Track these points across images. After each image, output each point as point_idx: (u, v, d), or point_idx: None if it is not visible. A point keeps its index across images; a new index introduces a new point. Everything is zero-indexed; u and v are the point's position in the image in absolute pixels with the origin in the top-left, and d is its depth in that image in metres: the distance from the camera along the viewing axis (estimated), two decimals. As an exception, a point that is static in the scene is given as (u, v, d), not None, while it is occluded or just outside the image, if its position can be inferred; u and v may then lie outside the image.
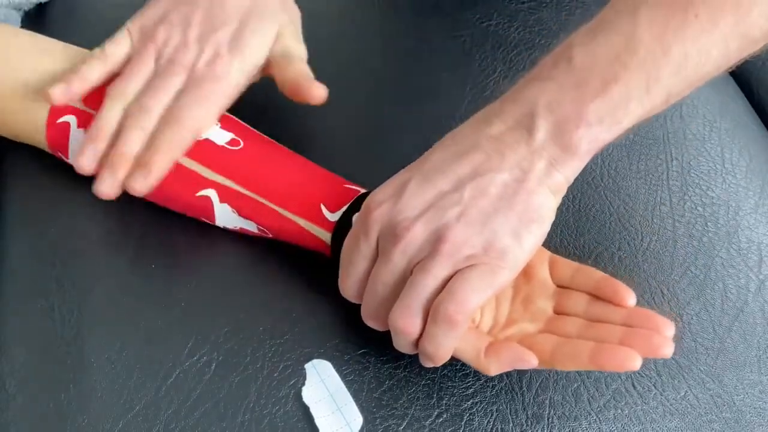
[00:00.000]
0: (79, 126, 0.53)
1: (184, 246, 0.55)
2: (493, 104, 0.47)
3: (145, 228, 0.55)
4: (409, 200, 0.45)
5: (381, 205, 0.45)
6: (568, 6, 0.68)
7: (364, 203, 0.47)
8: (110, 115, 0.52)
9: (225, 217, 0.53)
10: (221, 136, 0.53)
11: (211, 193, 0.52)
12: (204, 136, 0.52)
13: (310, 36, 0.65)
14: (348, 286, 0.48)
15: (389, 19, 0.68)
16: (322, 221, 0.51)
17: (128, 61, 0.54)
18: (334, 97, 0.62)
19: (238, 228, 0.53)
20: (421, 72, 0.64)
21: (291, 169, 0.52)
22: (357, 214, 0.48)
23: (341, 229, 0.50)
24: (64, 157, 0.54)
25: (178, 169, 0.52)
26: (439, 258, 0.43)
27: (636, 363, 0.43)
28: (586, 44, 0.44)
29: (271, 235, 0.53)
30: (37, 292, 0.53)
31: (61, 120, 0.53)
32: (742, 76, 0.72)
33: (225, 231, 0.54)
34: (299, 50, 0.57)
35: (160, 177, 0.51)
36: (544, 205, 0.44)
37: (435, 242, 0.43)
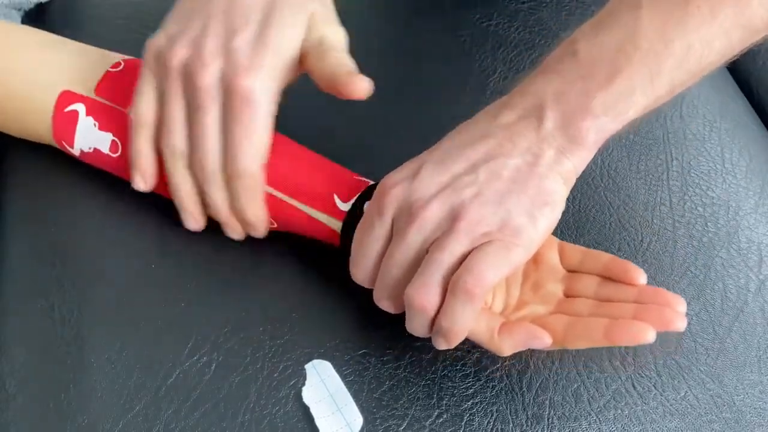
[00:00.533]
0: (87, 114, 0.53)
1: (184, 246, 0.55)
2: (502, 98, 0.47)
3: (145, 228, 0.55)
4: (425, 181, 0.45)
5: (396, 185, 0.46)
6: (568, 6, 0.68)
7: (379, 185, 0.47)
8: (179, 176, 0.51)
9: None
10: None
11: None
12: None
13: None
14: (361, 269, 0.48)
15: (389, 19, 0.68)
16: (333, 210, 0.51)
17: (160, 105, 0.51)
18: (334, 96, 0.62)
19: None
20: (421, 72, 0.64)
21: (302, 161, 0.52)
22: (369, 201, 0.48)
23: (352, 217, 0.50)
24: (68, 147, 0.54)
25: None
26: (456, 235, 0.44)
27: (650, 336, 0.43)
28: (590, 38, 0.45)
29: (276, 226, 0.53)
30: (37, 292, 0.53)
31: (69, 108, 0.53)
32: (742, 76, 0.72)
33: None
34: (336, 37, 0.51)
35: (267, 220, 0.52)
36: (556, 191, 0.45)
37: (451, 220, 0.44)
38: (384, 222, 0.46)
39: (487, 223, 0.44)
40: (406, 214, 0.45)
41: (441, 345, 0.47)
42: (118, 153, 0.53)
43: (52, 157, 0.56)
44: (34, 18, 0.68)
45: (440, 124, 0.60)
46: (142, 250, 0.54)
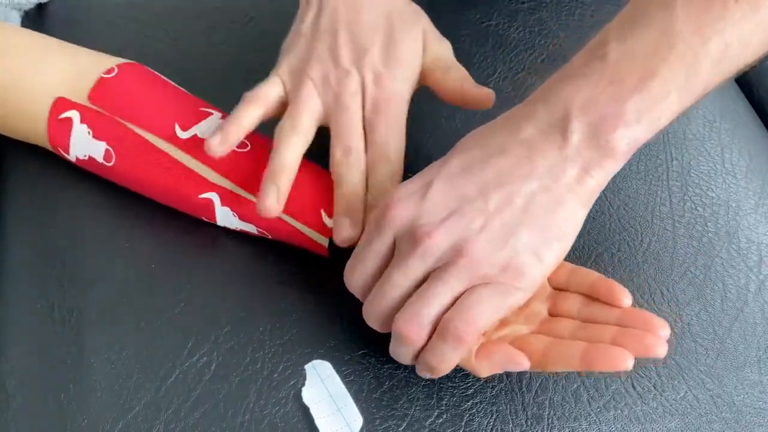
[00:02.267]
0: (81, 122, 0.53)
1: (184, 246, 0.55)
2: (522, 106, 0.45)
3: (145, 228, 0.55)
4: (432, 203, 0.43)
5: (400, 203, 0.44)
6: (568, 6, 0.68)
7: (384, 200, 0.46)
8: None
9: (226, 219, 0.53)
10: None
11: (213, 196, 0.52)
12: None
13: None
14: (355, 280, 0.47)
15: (389, 19, 0.68)
16: (321, 227, 0.51)
17: (289, 102, 0.53)
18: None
19: (238, 229, 0.53)
20: (421, 72, 0.64)
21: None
22: (374, 211, 0.47)
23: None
24: (63, 153, 0.54)
25: (182, 170, 0.52)
26: (456, 271, 0.42)
27: (628, 363, 0.42)
28: (620, 39, 0.42)
29: (270, 237, 0.53)
30: (37, 292, 0.53)
31: (63, 115, 0.53)
32: (742, 76, 0.72)
33: (226, 231, 0.54)
34: (449, 52, 0.55)
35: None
36: (570, 220, 0.43)
37: (454, 254, 0.43)
38: (384, 240, 0.45)
39: (490, 263, 0.42)
40: (410, 238, 0.43)
41: (425, 375, 0.46)
42: (112, 162, 0.53)
43: (52, 158, 0.56)
44: (33, 18, 0.67)
45: (440, 124, 0.60)
46: (142, 251, 0.54)
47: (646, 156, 0.60)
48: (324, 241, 0.51)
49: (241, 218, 0.52)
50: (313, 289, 0.53)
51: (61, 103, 0.53)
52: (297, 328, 0.51)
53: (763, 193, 0.60)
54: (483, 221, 0.42)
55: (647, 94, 0.42)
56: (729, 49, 0.41)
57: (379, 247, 0.45)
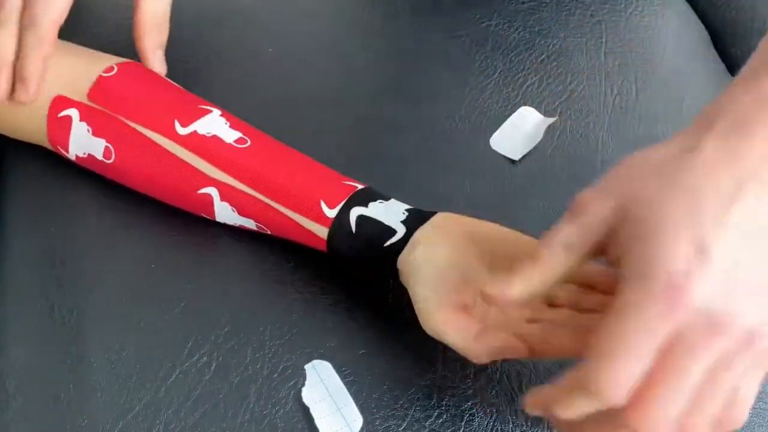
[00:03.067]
0: (81, 119, 0.53)
1: (184, 245, 0.55)
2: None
3: (145, 228, 0.55)
4: (735, 280, 0.35)
5: (694, 279, 0.35)
6: (568, 6, 0.68)
7: (659, 271, 0.36)
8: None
9: (224, 214, 0.53)
10: (230, 135, 0.53)
11: (212, 191, 0.52)
12: (212, 134, 0.52)
13: (310, 36, 0.65)
14: (620, 380, 0.36)
15: (389, 19, 0.68)
16: (319, 217, 0.51)
17: None
18: (334, 96, 0.62)
19: (237, 225, 0.53)
20: (421, 72, 0.64)
21: (294, 167, 0.53)
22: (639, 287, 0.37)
23: (338, 227, 0.50)
24: (63, 151, 0.54)
25: (181, 165, 0.52)
26: (750, 358, 0.36)
27: None
28: None
29: (270, 232, 0.53)
30: (37, 292, 0.53)
31: (63, 113, 0.53)
32: (742, 76, 0.72)
33: (225, 231, 0.54)
34: None
35: (39, 82, 0.52)
36: None
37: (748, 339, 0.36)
38: (666, 326, 0.36)
39: None
40: (709, 325, 0.35)
41: None
42: (112, 159, 0.53)
43: (52, 158, 0.56)
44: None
45: (440, 124, 0.61)
46: (142, 250, 0.54)
47: (646, 156, 0.60)
48: (323, 233, 0.51)
49: (240, 213, 0.52)
50: (313, 289, 0.53)
51: (60, 101, 0.53)
52: (297, 328, 0.51)
53: (763, 193, 0.60)
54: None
55: None
56: None
57: (661, 333, 0.36)
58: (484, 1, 0.68)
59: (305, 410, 0.48)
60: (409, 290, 0.48)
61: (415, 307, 0.47)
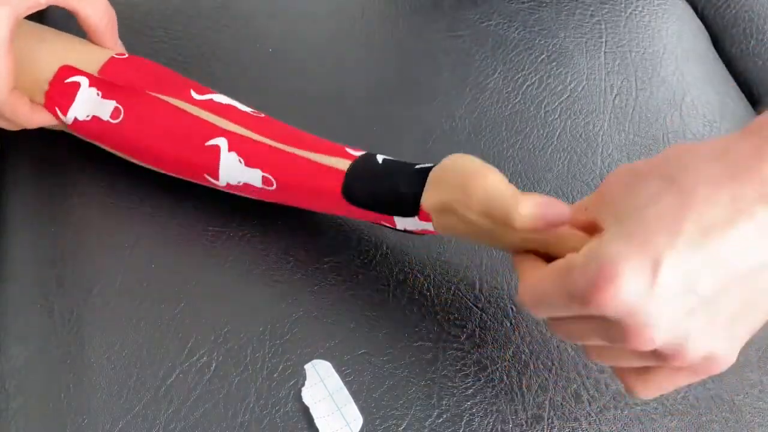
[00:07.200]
0: (90, 85, 0.53)
1: (184, 246, 0.55)
2: (756, 140, 0.36)
3: (144, 227, 0.55)
4: (663, 297, 0.35)
5: (623, 282, 0.35)
6: (568, 6, 0.68)
7: (598, 264, 0.36)
8: None
9: (230, 168, 0.51)
10: (245, 107, 0.53)
11: (221, 141, 0.51)
12: (227, 102, 0.53)
13: (309, 36, 0.65)
14: (529, 303, 0.41)
15: (389, 19, 0.68)
16: (344, 154, 0.50)
17: None
18: (334, 96, 0.62)
19: (241, 184, 0.52)
20: (421, 72, 0.64)
21: (312, 136, 0.53)
22: (577, 261, 0.37)
23: (364, 158, 0.49)
24: (60, 114, 0.53)
25: (194, 120, 0.52)
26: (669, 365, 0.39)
27: None
28: None
29: (274, 187, 0.51)
30: (37, 292, 0.53)
31: (71, 79, 0.53)
32: (742, 76, 0.72)
33: (226, 231, 0.54)
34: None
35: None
36: None
37: (672, 355, 0.38)
38: (592, 316, 0.37)
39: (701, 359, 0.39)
40: (630, 332, 0.36)
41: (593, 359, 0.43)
42: (119, 119, 0.52)
43: (52, 158, 0.56)
44: (33, 18, 0.67)
45: (440, 124, 0.61)
46: (142, 251, 0.54)
47: (646, 156, 0.60)
48: (344, 165, 0.49)
49: (247, 164, 0.51)
50: (313, 288, 0.53)
51: (68, 69, 0.53)
52: (297, 328, 0.51)
53: (763, 193, 0.60)
54: (708, 319, 0.37)
55: None
56: None
57: (574, 311, 0.38)
58: (484, 1, 0.68)
59: (305, 410, 0.48)
60: (452, 175, 0.45)
61: (461, 172, 0.45)
